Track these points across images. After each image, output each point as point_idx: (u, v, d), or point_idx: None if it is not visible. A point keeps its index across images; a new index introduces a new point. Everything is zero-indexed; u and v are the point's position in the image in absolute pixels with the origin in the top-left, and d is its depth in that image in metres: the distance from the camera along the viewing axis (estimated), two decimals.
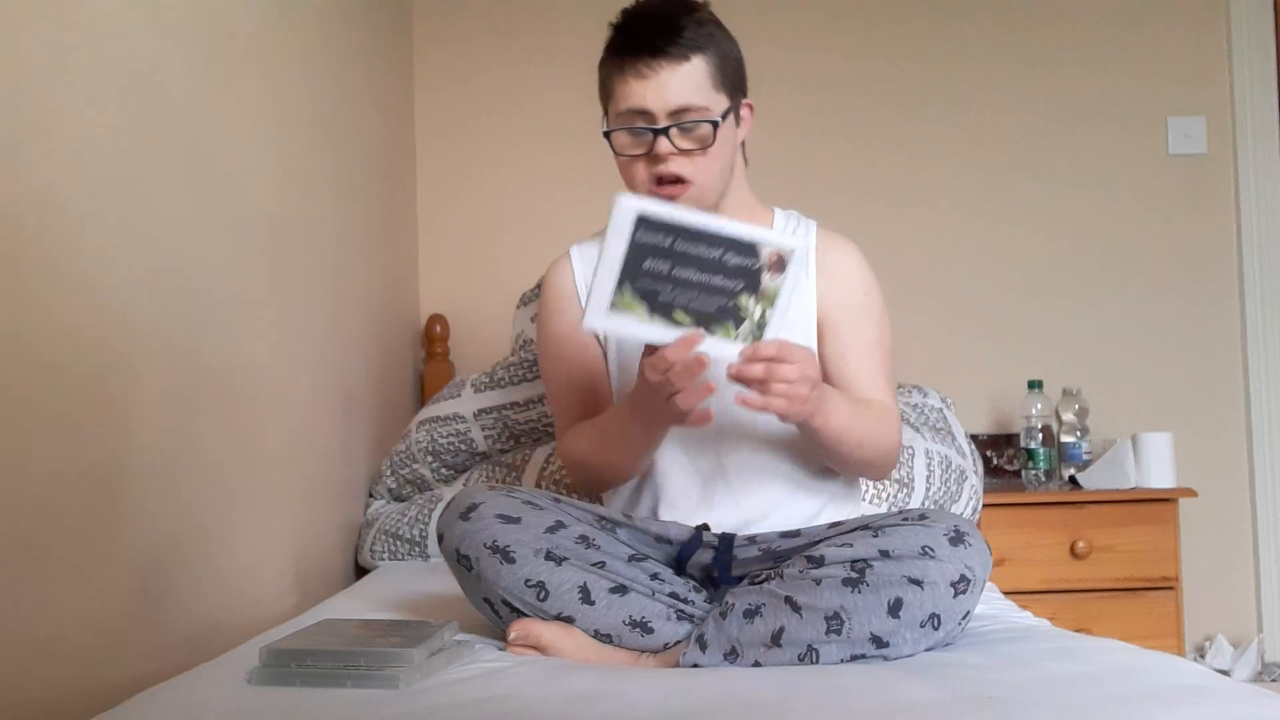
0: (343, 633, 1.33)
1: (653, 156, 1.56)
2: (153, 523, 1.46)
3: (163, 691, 1.23)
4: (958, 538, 1.35)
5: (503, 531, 1.43)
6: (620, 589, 1.43)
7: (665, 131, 1.54)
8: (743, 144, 1.68)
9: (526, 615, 1.42)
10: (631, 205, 1.32)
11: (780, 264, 1.34)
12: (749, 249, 1.33)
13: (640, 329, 1.36)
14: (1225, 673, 2.68)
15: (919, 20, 2.98)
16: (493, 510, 1.45)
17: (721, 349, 1.37)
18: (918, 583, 1.31)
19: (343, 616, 1.60)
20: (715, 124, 1.56)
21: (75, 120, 1.31)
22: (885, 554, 1.33)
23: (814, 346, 1.66)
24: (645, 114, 1.55)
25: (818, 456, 1.63)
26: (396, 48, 2.86)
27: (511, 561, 1.41)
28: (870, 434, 1.58)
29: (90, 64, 1.35)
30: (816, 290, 1.67)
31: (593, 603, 1.41)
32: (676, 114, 1.54)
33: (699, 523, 1.57)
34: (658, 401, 1.40)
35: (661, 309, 1.35)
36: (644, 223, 1.32)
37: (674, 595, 1.45)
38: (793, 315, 1.61)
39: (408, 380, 2.82)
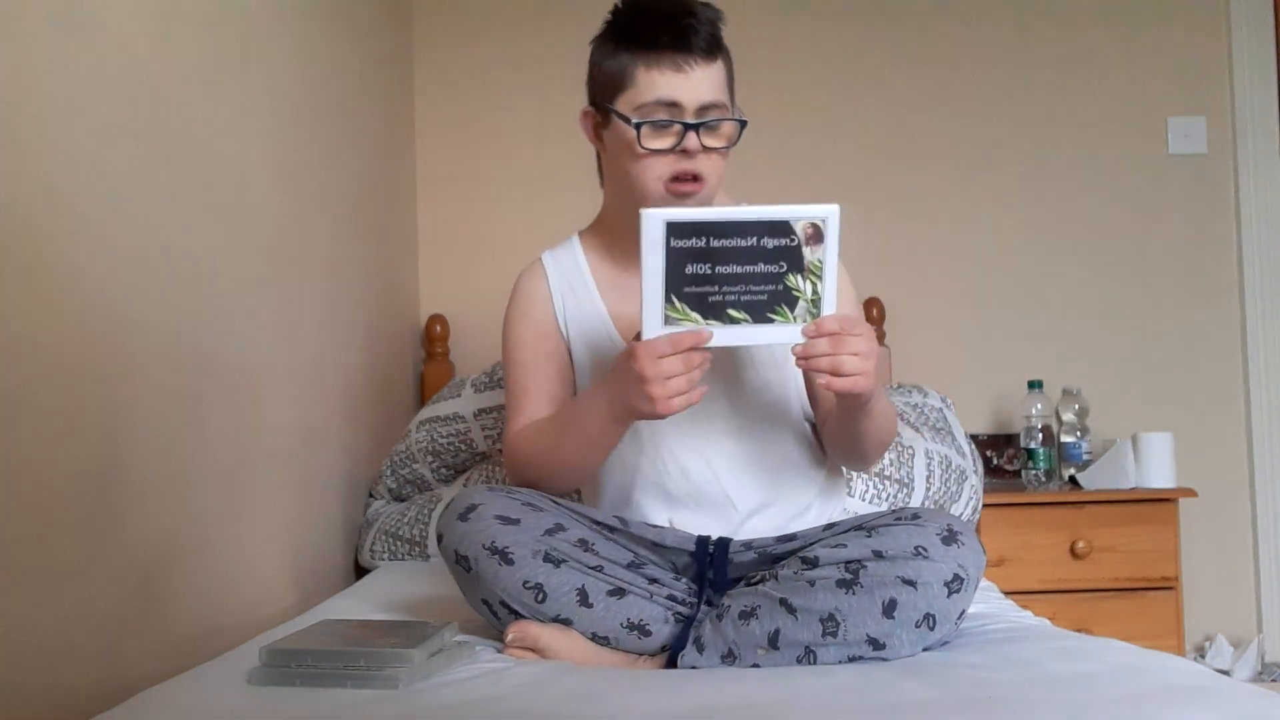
0: (343, 633, 1.33)
1: (679, 152, 1.52)
2: (153, 522, 1.46)
3: (163, 691, 1.23)
4: (950, 537, 1.35)
5: (501, 533, 1.42)
6: (618, 591, 1.42)
7: (696, 128, 1.52)
8: None
9: (524, 617, 1.42)
10: (658, 214, 1.32)
11: (817, 235, 1.33)
12: (782, 227, 1.33)
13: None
14: (1225, 673, 2.68)
15: (917, 21, 2.97)
16: (492, 511, 1.44)
17: (781, 334, 1.36)
18: (911, 583, 1.31)
19: (343, 616, 1.60)
20: (743, 123, 1.55)
21: (76, 120, 1.31)
22: (879, 554, 1.33)
23: None
24: (674, 107, 1.52)
25: (843, 443, 1.60)
26: (396, 48, 2.86)
27: (510, 563, 1.41)
28: (889, 418, 1.58)
29: (91, 64, 1.35)
30: None
31: (591, 605, 1.41)
32: (703, 111, 1.53)
33: (695, 519, 1.57)
34: (635, 389, 1.37)
35: (714, 310, 1.35)
36: (674, 229, 1.31)
37: (672, 598, 1.45)
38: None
39: (408, 380, 2.82)
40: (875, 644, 1.32)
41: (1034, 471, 2.72)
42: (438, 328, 2.83)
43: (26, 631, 1.20)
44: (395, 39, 2.85)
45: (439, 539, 1.47)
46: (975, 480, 2.38)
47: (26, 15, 1.23)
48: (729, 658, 1.36)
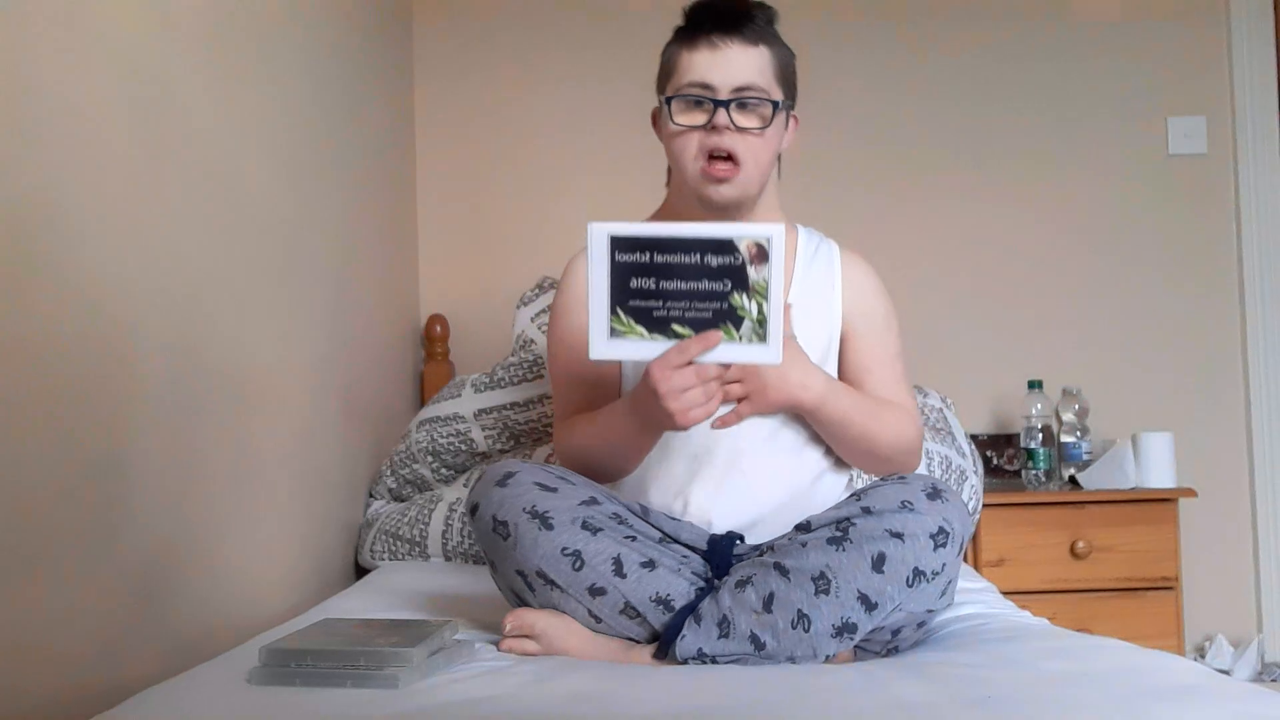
0: (343, 633, 1.33)
1: (709, 129, 1.56)
2: (153, 523, 1.46)
3: (163, 691, 1.23)
4: (935, 493, 1.38)
5: (541, 498, 1.44)
6: (650, 563, 1.44)
7: (726, 105, 1.56)
8: (779, 156, 1.68)
9: (558, 589, 1.42)
10: (602, 228, 1.36)
11: (761, 254, 1.34)
12: (726, 246, 1.34)
13: (644, 349, 1.37)
14: (1225, 673, 2.68)
15: (917, 20, 2.98)
16: (531, 478, 1.46)
17: (758, 355, 1.37)
18: (898, 535, 1.34)
19: (343, 616, 1.60)
20: (775, 104, 1.58)
21: (77, 121, 1.31)
22: (867, 510, 1.36)
23: (835, 351, 1.69)
24: (708, 87, 1.56)
25: (837, 450, 1.65)
26: (397, 47, 2.86)
27: (550, 528, 1.42)
28: (876, 427, 1.61)
29: (92, 64, 1.35)
30: (842, 303, 1.70)
31: (624, 575, 1.42)
32: (738, 92, 1.56)
33: (717, 502, 1.57)
34: (655, 404, 1.40)
35: (659, 325, 1.37)
36: (618, 243, 1.35)
37: (696, 574, 1.46)
38: (815, 325, 1.65)
39: (408, 380, 2.82)
40: (866, 602, 1.33)
41: (1034, 471, 2.72)
42: (438, 328, 2.83)
43: (27, 632, 1.20)
44: (395, 38, 2.85)
45: (473, 511, 1.48)
46: (975, 480, 2.38)
47: (26, 14, 1.23)
48: (724, 625, 1.37)
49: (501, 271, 2.89)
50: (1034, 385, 2.77)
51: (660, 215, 1.73)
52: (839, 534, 1.36)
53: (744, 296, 1.35)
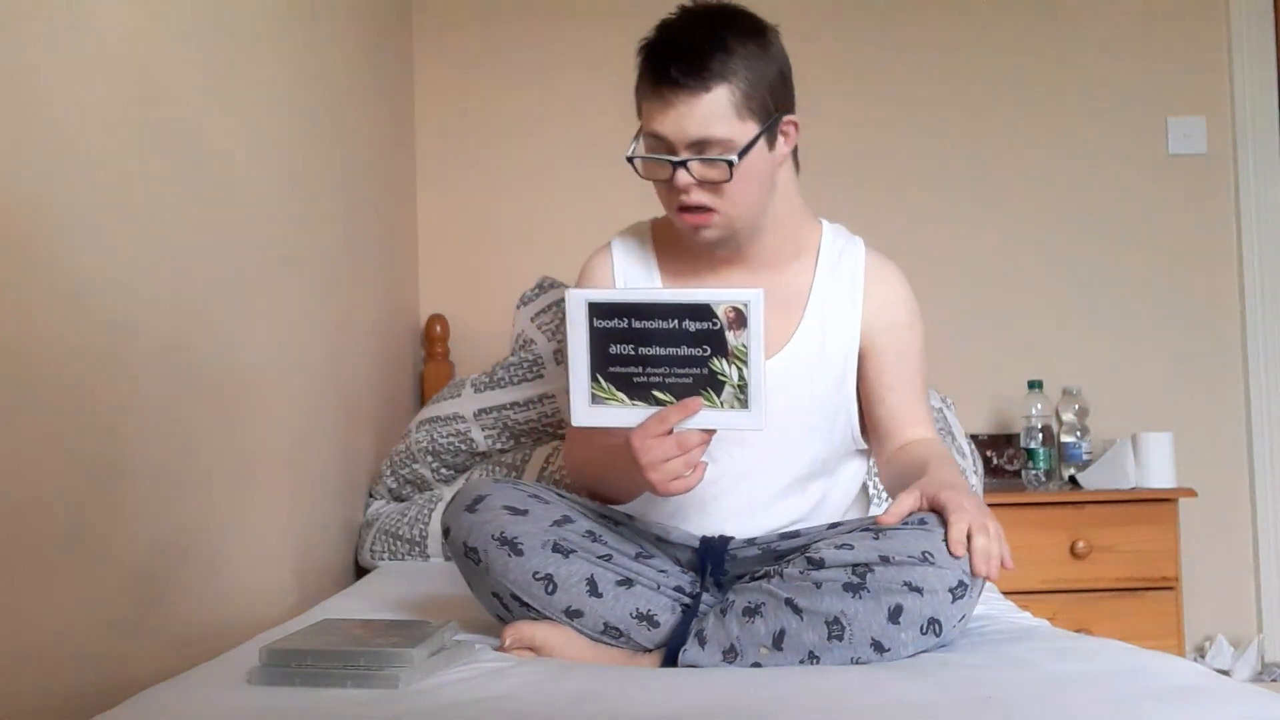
0: (343, 633, 1.33)
1: (673, 187, 1.49)
2: (153, 523, 1.46)
3: (163, 691, 1.23)
4: None
5: (511, 523, 1.43)
6: (626, 581, 1.43)
7: (684, 164, 1.46)
8: (794, 151, 1.61)
9: (535, 611, 1.42)
10: (580, 295, 1.34)
11: (740, 319, 1.32)
12: (704, 311, 1.32)
13: (625, 416, 1.36)
14: (1225, 673, 2.67)
15: (917, 19, 2.97)
16: (500, 502, 1.45)
17: (742, 421, 1.34)
18: (917, 589, 1.31)
19: (343, 616, 1.60)
20: (730, 163, 1.46)
21: (75, 121, 1.31)
22: (885, 559, 1.32)
23: (853, 366, 1.63)
24: (665, 142, 1.48)
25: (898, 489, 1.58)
26: (397, 47, 2.86)
27: (520, 554, 1.42)
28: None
29: (91, 64, 1.35)
30: (862, 312, 1.63)
31: (600, 595, 1.42)
32: (696, 145, 1.46)
33: (713, 524, 1.55)
34: (637, 473, 1.36)
35: (639, 391, 1.35)
36: (595, 309, 1.34)
37: (679, 589, 1.45)
38: (834, 336, 1.61)
39: (408, 380, 2.82)
40: (879, 647, 1.32)
41: (1034, 471, 2.72)
42: (438, 328, 2.83)
43: (27, 632, 1.20)
44: (395, 37, 2.85)
45: (445, 532, 1.48)
46: (975, 480, 2.38)
47: (26, 15, 1.23)
48: (730, 654, 1.36)
49: (501, 271, 2.89)
50: (1034, 385, 2.77)
51: (665, 222, 1.69)
52: (856, 580, 1.33)
53: (724, 362, 1.33)
